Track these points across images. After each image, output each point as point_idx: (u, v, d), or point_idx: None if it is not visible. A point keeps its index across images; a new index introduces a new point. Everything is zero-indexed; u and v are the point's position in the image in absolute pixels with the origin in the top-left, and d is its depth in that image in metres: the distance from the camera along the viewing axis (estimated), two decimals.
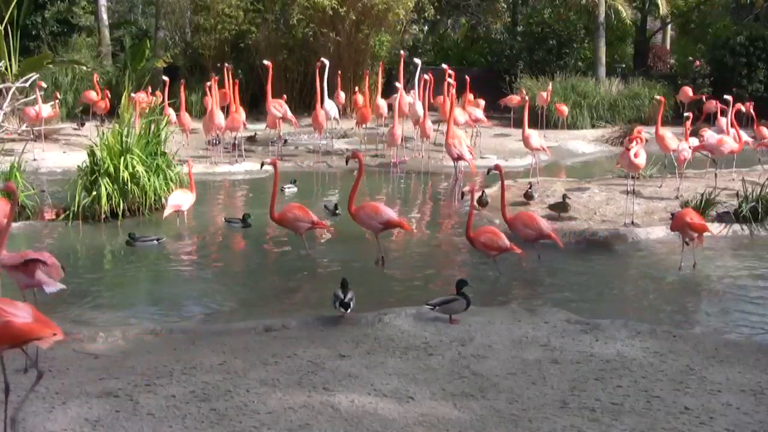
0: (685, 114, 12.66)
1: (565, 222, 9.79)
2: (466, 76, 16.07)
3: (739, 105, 13.26)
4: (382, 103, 16.46)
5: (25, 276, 5.66)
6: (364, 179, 8.90)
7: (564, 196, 10.31)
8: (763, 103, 18.55)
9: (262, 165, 9.25)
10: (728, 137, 12.12)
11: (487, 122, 16.95)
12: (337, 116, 16.46)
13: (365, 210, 8.21)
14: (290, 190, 12.39)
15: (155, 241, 9.09)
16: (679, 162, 11.85)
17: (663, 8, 23.43)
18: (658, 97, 13.79)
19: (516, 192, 11.78)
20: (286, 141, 16.65)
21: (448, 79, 14.73)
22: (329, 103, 15.79)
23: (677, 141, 11.96)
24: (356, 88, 18.80)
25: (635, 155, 9.79)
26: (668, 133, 12.23)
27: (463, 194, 8.91)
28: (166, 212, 9.72)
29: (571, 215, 9.96)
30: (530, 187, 10.95)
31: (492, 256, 7.83)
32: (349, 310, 6.12)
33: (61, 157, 14.38)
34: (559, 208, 9.99)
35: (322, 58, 15.91)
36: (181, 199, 9.82)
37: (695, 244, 8.01)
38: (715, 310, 7.07)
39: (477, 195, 10.13)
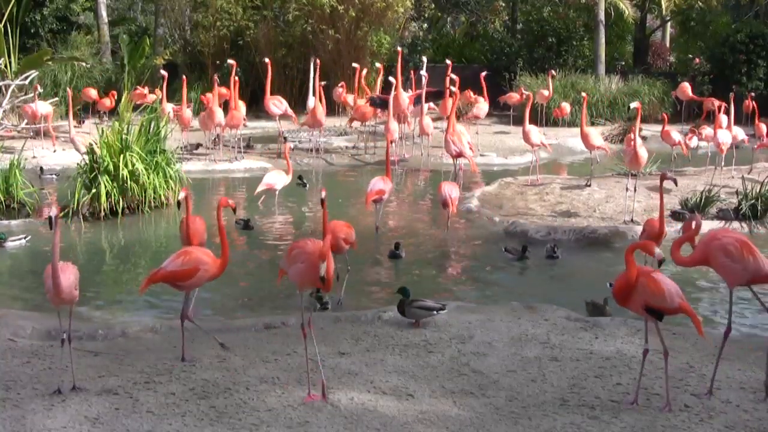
0: (696, 122, 12.78)
1: (565, 219, 9.79)
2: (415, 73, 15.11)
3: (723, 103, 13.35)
4: None
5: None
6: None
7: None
8: (762, 100, 18.52)
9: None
10: (730, 132, 12.22)
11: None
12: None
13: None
14: (307, 185, 12.61)
15: (23, 241, 8.61)
16: (683, 150, 11.94)
17: (665, 8, 23.44)
18: (584, 94, 13.62)
19: (516, 189, 11.77)
20: (285, 138, 16.61)
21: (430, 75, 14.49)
22: (312, 101, 15.75)
23: (601, 139, 11.91)
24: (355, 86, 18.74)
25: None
26: (593, 131, 12.14)
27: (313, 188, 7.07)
28: (259, 189, 9.55)
29: (573, 212, 9.96)
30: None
31: (344, 251, 7.01)
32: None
33: (60, 154, 14.37)
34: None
35: (314, 57, 15.91)
36: (275, 179, 9.74)
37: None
38: (715, 308, 7.07)
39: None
